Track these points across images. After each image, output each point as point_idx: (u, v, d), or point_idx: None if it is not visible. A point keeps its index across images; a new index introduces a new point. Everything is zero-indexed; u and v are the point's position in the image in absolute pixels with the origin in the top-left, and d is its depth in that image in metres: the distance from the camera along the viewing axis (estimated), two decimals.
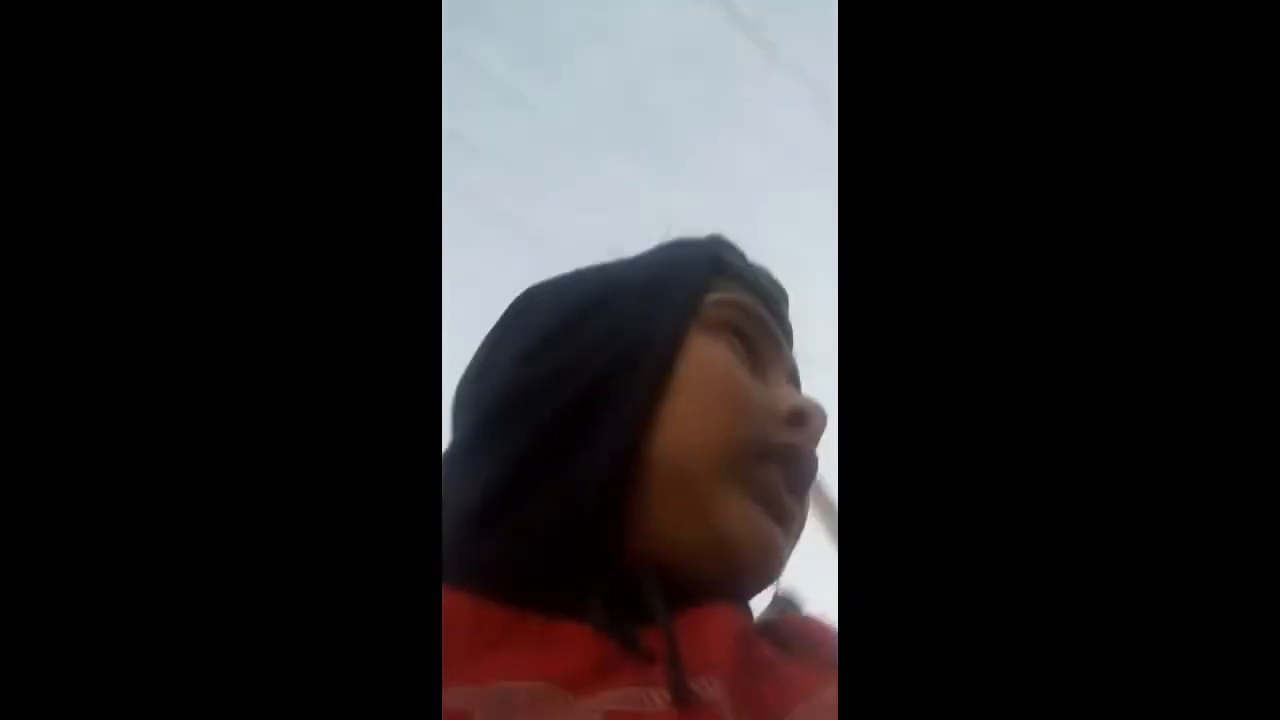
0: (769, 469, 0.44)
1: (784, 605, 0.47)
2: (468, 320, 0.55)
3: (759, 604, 0.46)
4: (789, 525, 0.45)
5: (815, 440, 0.46)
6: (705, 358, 0.45)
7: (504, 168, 1.88)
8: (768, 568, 0.44)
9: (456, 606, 0.39)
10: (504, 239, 1.92)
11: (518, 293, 0.53)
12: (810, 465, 0.46)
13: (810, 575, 0.50)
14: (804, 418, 0.45)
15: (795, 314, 0.54)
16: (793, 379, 0.51)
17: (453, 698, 0.34)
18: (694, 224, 0.55)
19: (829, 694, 0.37)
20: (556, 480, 0.41)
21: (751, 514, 0.43)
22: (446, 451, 0.48)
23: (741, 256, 0.54)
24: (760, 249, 0.55)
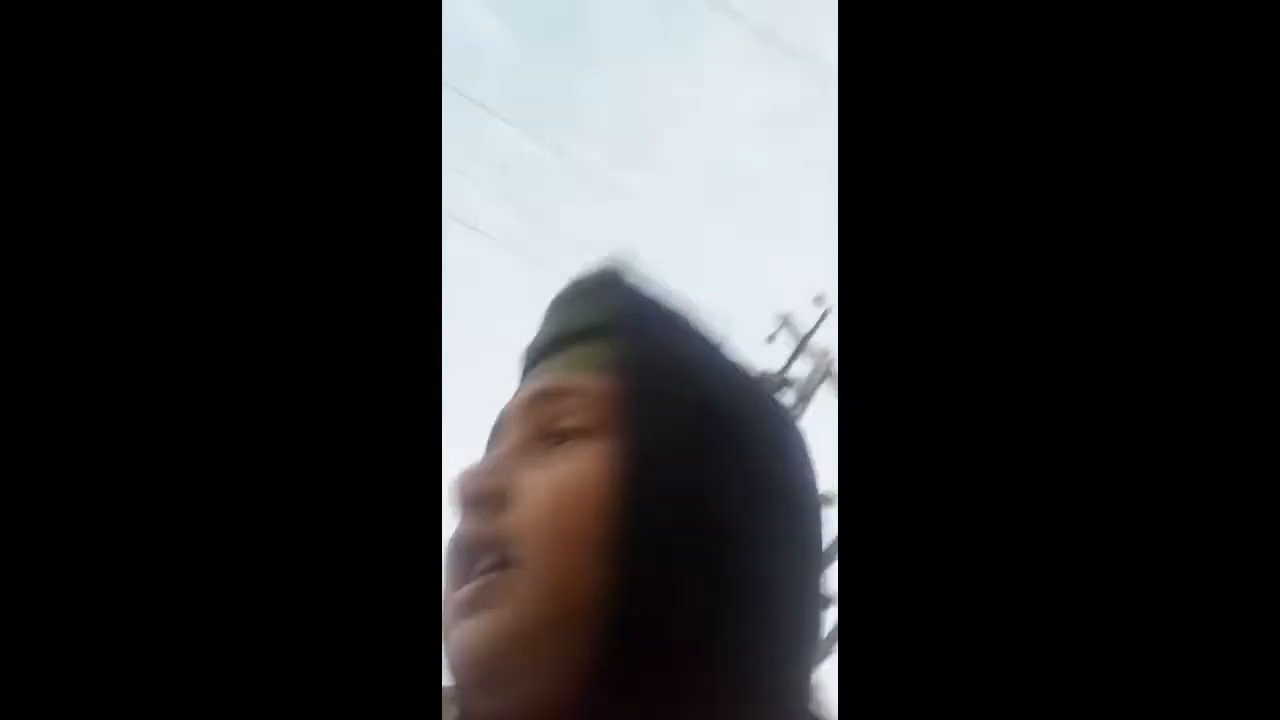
0: (475, 570, 0.42)
1: None
2: None
3: None
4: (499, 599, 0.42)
5: (453, 508, 0.43)
6: None
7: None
8: (468, 677, 0.40)
9: None
10: None
11: None
12: (474, 538, 0.42)
13: None
14: (456, 507, 0.43)
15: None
16: (514, 423, 0.46)
17: None
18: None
19: None
20: None
21: (456, 631, 0.41)
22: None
23: (549, 311, 0.51)
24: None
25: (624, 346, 0.46)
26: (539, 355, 0.48)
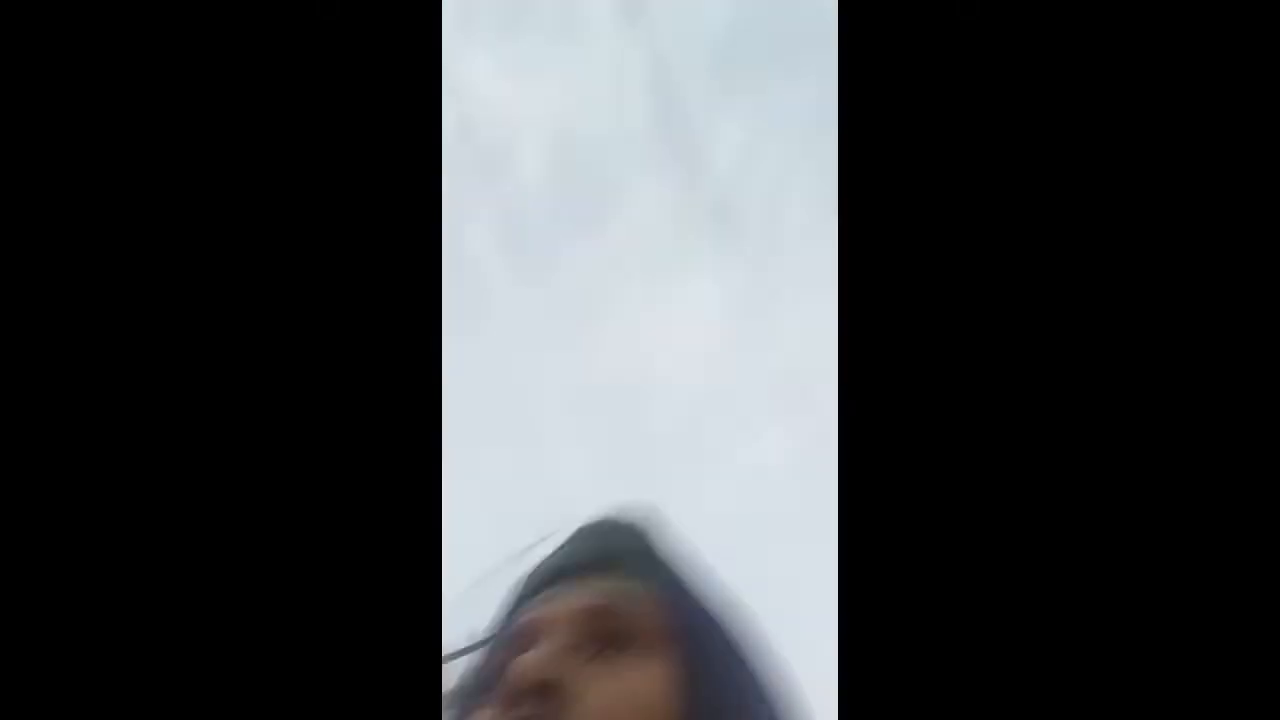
0: None
1: None
2: None
3: None
4: None
5: (511, 695, 0.45)
6: None
7: None
8: None
9: None
10: None
11: None
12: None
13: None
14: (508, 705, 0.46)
15: None
16: (570, 628, 0.49)
17: None
18: None
19: None
20: None
21: None
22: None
23: (583, 532, 0.57)
24: None
25: (666, 579, 0.52)
26: (574, 573, 0.53)
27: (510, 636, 0.51)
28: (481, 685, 0.49)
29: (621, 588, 0.51)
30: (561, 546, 0.57)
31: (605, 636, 0.48)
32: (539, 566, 0.56)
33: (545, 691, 0.44)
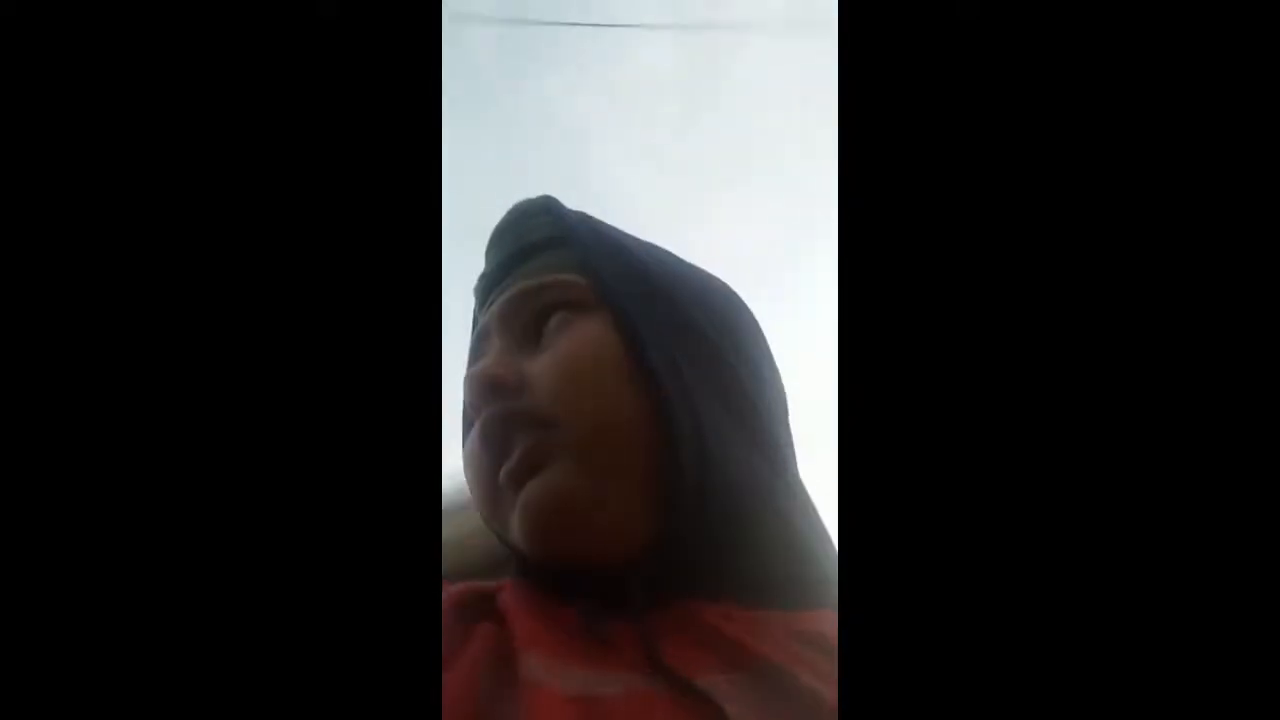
0: (509, 458, 0.46)
1: None
2: None
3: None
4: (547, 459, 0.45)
5: (474, 403, 0.47)
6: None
7: None
8: (545, 529, 0.44)
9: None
10: None
11: None
12: (499, 419, 0.46)
13: None
14: (473, 406, 0.47)
15: None
16: (499, 329, 0.50)
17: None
18: None
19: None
20: None
21: (518, 506, 0.45)
22: None
23: (494, 241, 0.57)
24: None
25: (583, 249, 0.51)
26: (500, 274, 0.53)
27: (472, 360, 0.52)
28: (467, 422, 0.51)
29: (539, 268, 0.51)
30: (487, 256, 0.56)
31: (536, 319, 0.49)
32: (476, 287, 0.56)
33: (497, 388, 0.46)
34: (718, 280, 0.56)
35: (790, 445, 0.53)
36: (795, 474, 0.52)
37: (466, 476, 0.49)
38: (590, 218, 0.55)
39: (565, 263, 0.51)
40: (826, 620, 0.44)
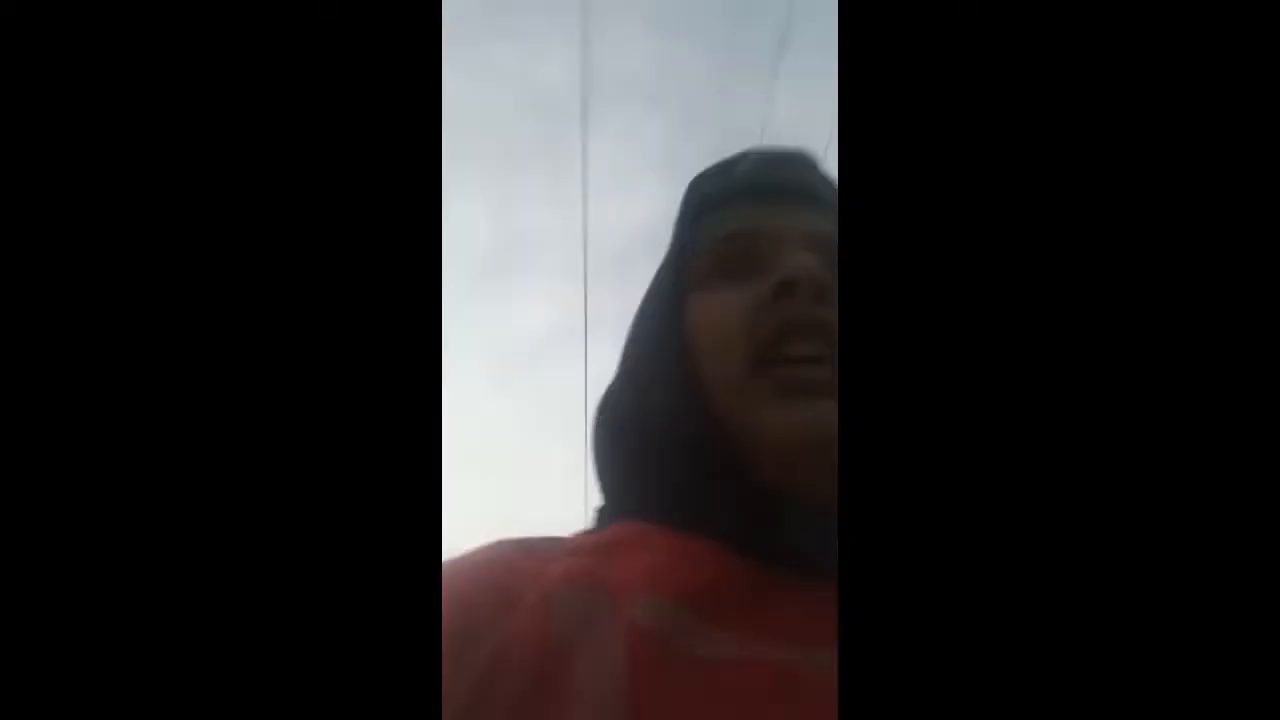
0: (786, 352, 0.47)
1: None
2: None
3: None
4: (828, 390, 0.46)
5: (809, 298, 0.47)
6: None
7: None
8: (795, 461, 0.45)
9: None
10: None
11: None
12: (814, 321, 0.47)
13: None
14: (789, 288, 0.47)
15: None
16: (808, 238, 0.51)
17: None
18: None
19: None
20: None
21: (783, 412, 0.45)
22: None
23: (722, 172, 0.57)
24: None
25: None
26: (790, 189, 0.54)
27: (748, 234, 0.52)
28: (718, 268, 0.51)
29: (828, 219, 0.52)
30: (738, 165, 0.57)
31: (827, 262, 0.49)
32: (716, 177, 0.56)
33: (822, 295, 0.46)
34: None
35: None
36: None
37: (711, 338, 0.49)
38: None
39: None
40: None
